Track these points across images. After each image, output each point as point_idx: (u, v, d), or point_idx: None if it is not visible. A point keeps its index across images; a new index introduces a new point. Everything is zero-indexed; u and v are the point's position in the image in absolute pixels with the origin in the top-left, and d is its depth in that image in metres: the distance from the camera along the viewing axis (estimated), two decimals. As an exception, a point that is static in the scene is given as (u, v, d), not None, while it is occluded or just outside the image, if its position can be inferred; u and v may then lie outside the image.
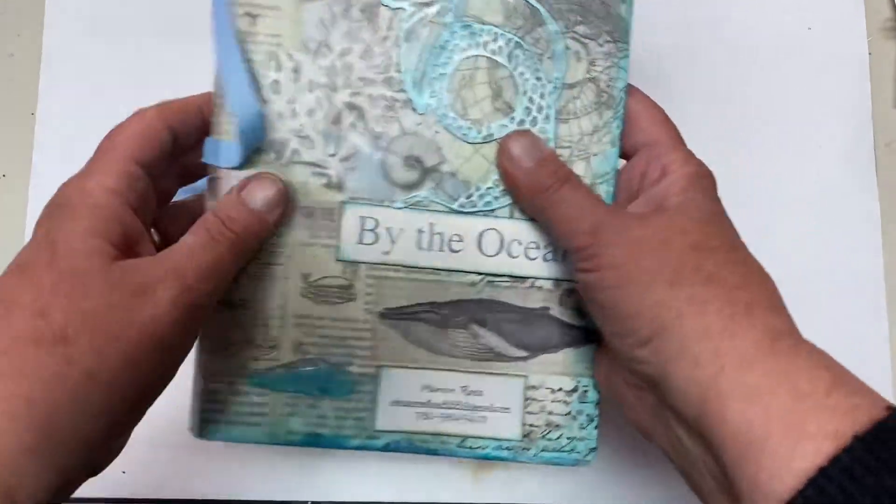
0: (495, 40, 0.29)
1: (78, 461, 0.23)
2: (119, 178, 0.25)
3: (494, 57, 0.29)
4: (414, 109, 0.29)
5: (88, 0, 0.42)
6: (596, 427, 0.30)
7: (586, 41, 0.29)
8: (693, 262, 0.24)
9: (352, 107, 0.28)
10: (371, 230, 0.29)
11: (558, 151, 0.29)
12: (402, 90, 0.28)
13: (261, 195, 0.27)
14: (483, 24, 0.29)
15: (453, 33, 0.29)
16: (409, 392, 0.29)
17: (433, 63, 0.29)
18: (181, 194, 0.31)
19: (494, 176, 0.29)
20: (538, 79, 0.29)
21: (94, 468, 0.25)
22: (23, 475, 0.21)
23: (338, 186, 0.28)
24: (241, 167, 0.28)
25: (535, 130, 0.29)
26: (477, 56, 0.29)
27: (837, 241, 0.41)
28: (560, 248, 0.29)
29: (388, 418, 0.29)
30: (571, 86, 0.29)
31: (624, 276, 0.25)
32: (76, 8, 0.42)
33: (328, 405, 0.29)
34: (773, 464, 0.21)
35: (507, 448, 0.29)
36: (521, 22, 0.29)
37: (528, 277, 0.29)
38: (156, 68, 0.40)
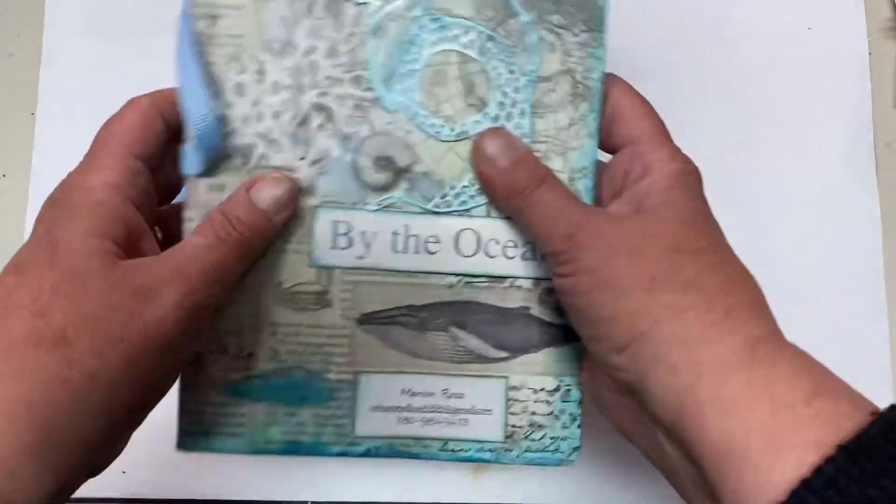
0: (466, 33, 0.28)
1: (78, 462, 0.22)
2: (120, 172, 0.25)
3: (466, 51, 0.28)
4: (384, 108, 0.28)
5: (88, 0, 0.42)
6: (579, 426, 0.29)
7: (560, 31, 0.28)
8: (671, 266, 0.24)
9: (319, 108, 0.27)
10: (344, 234, 0.28)
11: (534, 147, 0.28)
12: (371, 88, 0.28)
13: (269, 194, 0.26)
14: (453, 17, 0.28)
15: (422, 27, 0.28)
16: (388, 397, 0.29)
17: (402, 59, 0.28)
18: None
19: (469, 174, 0.28)
20: (511, 72, 0.28)
21: (94, 469, 0.25)
22: (21, 477, 0.21)
23: (308, 191, 0.28)
24: (205, 174, 0.27)
25: (509, 126, 0.28)
26: (447, 50, 0.28)
27: (837, 241, 0.41)
28: (538, 248, 0.28)
29: (369, 424, 0.29)
30: (546, 78, 0.28)
31: (600, 282, 0.24)
32: (76, 8, 0.42)
33: (307, 413, 0.28)
34: (754, 476, 0.20)
35: (490, 450, 0.29)
36: (493, 13, 0.28)
37: (506, 277, 0.29)
38: (156, 68, 0.39)
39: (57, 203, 0.25)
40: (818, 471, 0.19)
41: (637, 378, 0.24)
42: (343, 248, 0.28)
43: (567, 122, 0.28)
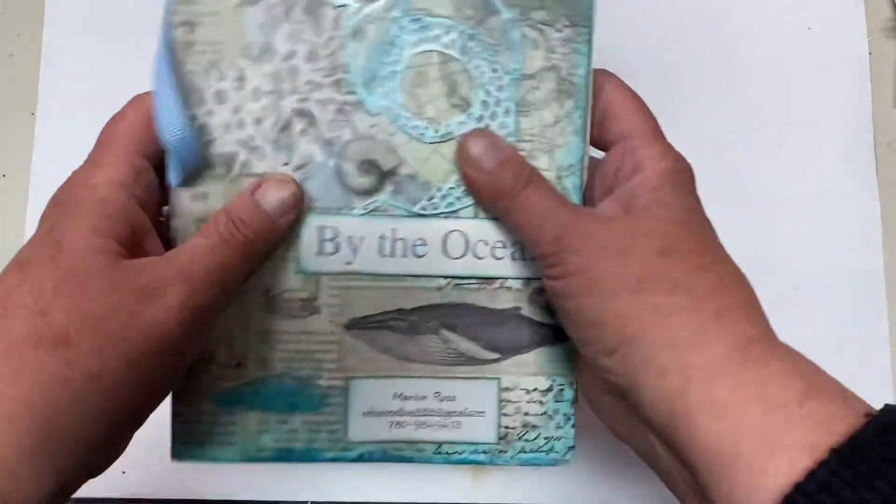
0: (447, 33, 0.27)
1: (78, 462, 0.22)
2: (124, 170, 0.25)
3: (447, 51, 0.27)
4: (366, 111, 0.27)
5: (88, 0, 0.41)
6: (573, 425, 0.29)
7: (543, 28, 0.27)
8: (659, 268, 0.23)
9: (301, 113, 0.27)
10: (331, 240, 0.28)
11: (520, 145, 0.28)
12: (352, 92, 0.27)
13: (274, 197, 0.26)
14: (433, 16, 0.27)
15: (402, 28, 0.27)
16: (380, 402, 0.29)
17: (383, 61, 0.27)
18: None
19: (455, 176, 0.28)
20: (494, 71, 0.28)
21: (95, 469, 0.25)
22: (21, 478, 0.21)
23: (293, 197, 0.27)
24: (184, 184, 0.27)
25: (494, 125, 0.28)
26: (429, 51, 0.27)
27: (837, 241, 0.40)
28: (527, 250, 0.28)
29: (361, 429, 0.29)
30: (530, 76, 0.28)
31: (588, 284, 0.24)
32: (76, 8, 0.41)
33: (298, 420, 0.28)
34: (746, 480, 0.20)
35: (484, 451, 0.29)
36: (473, 12, 0.27)
37: (496, 278, 0.28)
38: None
39: (60, 201, 0.24)
40: (811, 474, 0.19)
41: (627, 381, 0.24)
42: (330, 254, 0.28)
43: (552, 119, 0.28)
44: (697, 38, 0.42)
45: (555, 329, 0.29)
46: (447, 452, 0.29)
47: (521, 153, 0.27)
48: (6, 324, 0.22)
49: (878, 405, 0.21)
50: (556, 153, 0.28)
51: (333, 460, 0.29)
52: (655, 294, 0.23)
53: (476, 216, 0.28)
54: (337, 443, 0.28)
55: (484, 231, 0.28)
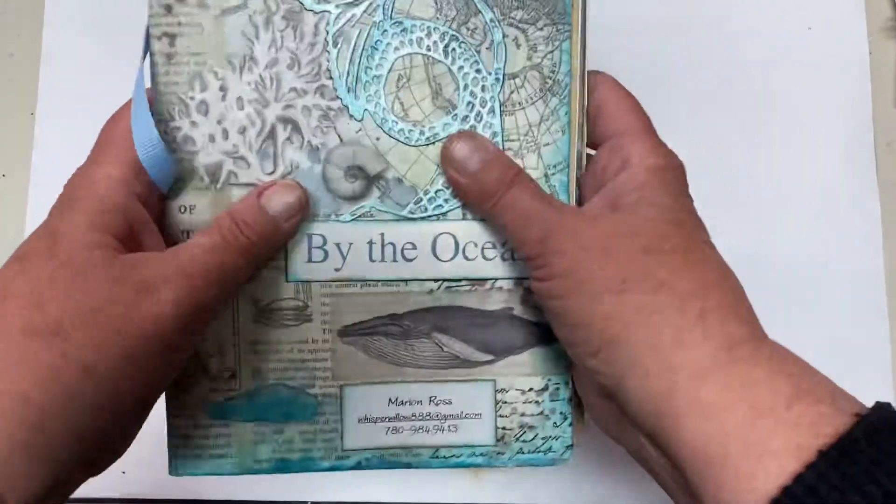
0: (429, 35, 0.27)
1: (72, 456, 0.22)
2: (125, 168, 0.25)
3: (430, 53, 0.27)
4: (351, 116, 0.27)
5: (88, 0, 0.41)
6: (570, 424, 0.29)
7: (525, 26, 0.27)
8: (643, 267, 0.23)
9: (285, 120, 0.27)
10: (320, 247, 0.28)
11: (506, 145, 0.28)
12: (337, 97, 0.27)
13: (279, 201, 0.26)
14: (414, 19, 0.27)
15: (384, 32, 0.27)
16: (375, 408, 0.28)
17: (366, 65, 0.27)
18: None
19: (443, 178, 0.28)
20: (478, 71, 0.28)
21: (94, 466, 0.25)
22: (13, 472, 0.20)
23: (280, 205, 0.27)
24: (171, 196, 0.27)
25: (480, 126, 0.28)
26: (412, 54, 0.27)
27: (837, 241, 0.41)
28: (515, 251, 0.28)
29: (357, 436, 0.28)
30: (513, 75, 0.28)
31: (573, 286, 0.24)
32: (76, 8, 0.42)
33: (294, 429, 0.28)
34: (734, 483, 0.20)
35: (482, 454, 0.29)
36: (454, 13, 0.27)
37: (487, 279, 0.28)
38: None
39: (62, 198, 0.25)
40: (799, 478, 0.19)
41: (613, 382, 0.23)
42: (319, 262, 0.28)
43: (538, 117, 0.28)
44: (697, 38, 0.42)
45: (548, 328, 0.28)
46: (444, 456, 0.29)
47: (508, 152, 0.27)
48: (2, 313, 0.22)
49: (868, 403, 0.21)
50: (544, 151, 0.28)
51: (331, 469, 0.28)
52: (639, 294, 0.23)
53: (465, 218, 0.28)
54: (333, 451, 0.28)
55: (473, 232, 0.28)
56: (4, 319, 0.22)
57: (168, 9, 0.26)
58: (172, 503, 0.38)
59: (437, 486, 0.38)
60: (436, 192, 0.28)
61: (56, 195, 0.25)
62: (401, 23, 0.27)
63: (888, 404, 0.21)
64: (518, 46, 0.28)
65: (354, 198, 0.28)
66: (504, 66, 0.28)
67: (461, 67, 0.27)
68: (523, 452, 0.29)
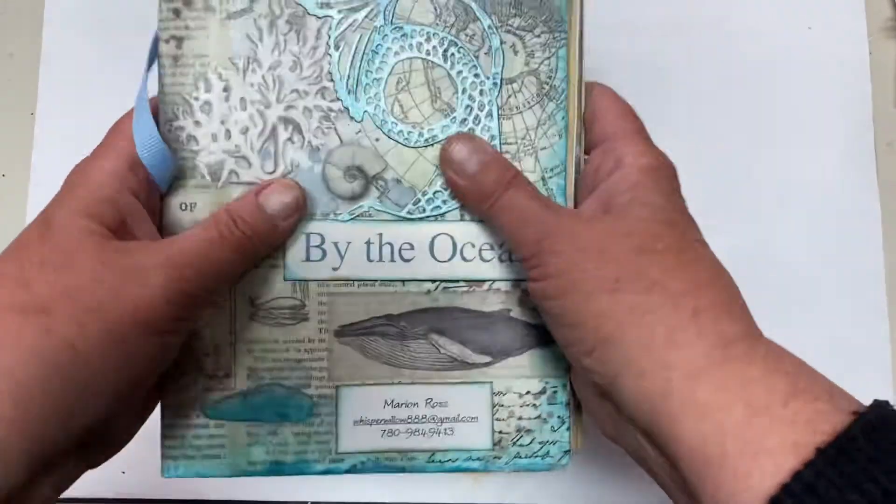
0: (429, 40, 0.28)
1: (60, 435, 0.22)
2: (120, 162, 0.25)
3: (429, 57, 0.28)
4: (351, 118, 0.28)
5: (88, 0, 0.42)
6: (568, 428, 0.29)
7: (522, 33, 0.28)
8: (636, 267, 0.23)
9: (287, 121, 0.28)
10: (318, 246, 0.28)
11: (504, 149, 0.28)
12: (337, 99, 0.28)
13: (277, 200, 0.26)
14: (414, 25, 0.28)
15: (385, 37, 0.28)
16: (371, 410, 0.28)
17: (367, 69, 0.28)
18: None
19: (441, 179, 0.28)
20: (476, 76, 0.28)
21: (89, 455, 0.25)
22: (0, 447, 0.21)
23: (279, 204, 0.27)
24: (172, 193, 0.27)
25: (478, 129, 0.28)
26: (412, 58, 0.28)
27: (838, 241, 0.41)
28: (513, 252, 0.28)
29: (352, 439, 0.28)
30: (511, 80, 0.28)
31: (568, 285, 0.24)
32: (75, 8, 0.42)
33: (288, 431, 0.28)
34: (732, 482, 0.20)
35: (479, 458, 0.28)
36: (453, 20, 0.28)
37: (484, 280, 0.28)
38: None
39: (59, 190, 0.25)
40: (797, 476, 0.19)
41: (609, 381, 0.23)
42: (317, 261, 0.28)
43: (535, 122, 0.28)
44: (697, 38, 0.42)
45: (545, 331, 0.28)
46: (440, 461, 0.28)
47: (506, 155, 0.28)
48: None
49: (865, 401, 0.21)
50: (541, 155, 0.28)
51: (325, 473, 0.28)
52: (632, 293, 0.23)
53: (462, 219, 0.28)
54: (327, 454, 0.28)
55: (471, 233, 0.28)
56: None
57: (176, 13, 0.27)
58: (172, 503, 0.37)
59: (437, 486, 0.37)
60: (434, 194, 0.28)
61: (55, 194, 0.25)
62: (401, 28, 0.28)
63: (886, 402, 0.21)
64: (515, 52, 0.28)
65: (353, 198, 0.28)
66: (502, 71, 0.28)
67: (460, 72, 0.28)
68: (520, 457, 0.28)
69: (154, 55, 0.27)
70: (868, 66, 0.42)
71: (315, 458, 0.28)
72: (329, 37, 0.28)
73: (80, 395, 0.22)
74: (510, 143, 0.28)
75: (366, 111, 0.28)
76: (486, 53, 0.28)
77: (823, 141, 0.42)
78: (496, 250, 0.28)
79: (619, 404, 0.24)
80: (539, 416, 0.28)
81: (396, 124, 0.28)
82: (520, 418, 0.28)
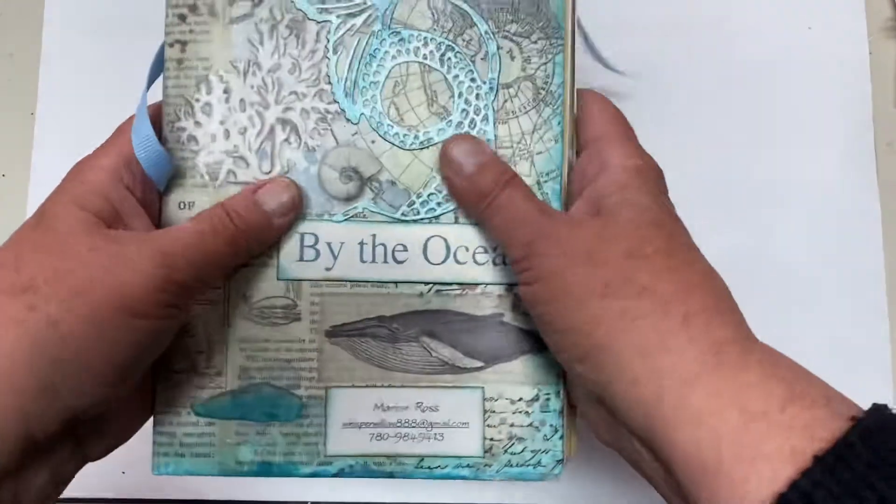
0: (426, 45, 0.28)
1: (45, 411, 0.22)
2: (116, 158, 0.26)
3: (426, 62, 0.28)
4: (348, 120, 0.28)
5: (88, 0, 0.42)
6: (561, 437, 0.28)
7: (519, 39, 0.28)
8: (625, 272, 0.23)
9: (284, 122, 0.28)
10: (311, 246, 0.28)
11: (500, 152, 0.28)
12: (335, 101, 0.28)
13: (274, 198, 0.27)
14: (412, 30, 0.28)
15: (382, 41, 0.28)
16: (360, 412, 0.28)
17: (364, 72, 0.28)
18: None
19: (436, 182, 0.28)
20: (473, 80, 0.28)
21: (84, 446, 0.25)
22: None
23: (275, 203, 0.28)
24: (170, 192, 0.28)
25: (473, 132, 0.28)
26: (409, 62, 0.28)
27: (838, 241, 0.40)
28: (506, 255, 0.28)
29: (340, 441, 0.28)
30: (507, 85, 0.28)
31: (557, 290, 0.24)
32: (75, 8, 0.42)
33: (277, 431, 0.27)
34: (728, 489, 0.19)
35: (469, 465, 0.28)
36: (451, 25, 0.28)
37: (477, 284, 0.28)
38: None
39: (58, 184, 0.26)
40: (794, 484, 0.18)
41: (601, 388, 0.23)
42: (310, 261, 0.28)
43: (531, 126, 0.28)
44: (697, 38, 0.42)
45: (538, 336, 0.28)
46: (429, 467, 0.28)
47: (501, 159, 0.28)
48: None
49: (864, 404, 0.20)
50: (536, 159, 0.28)
51: (312, 475, 0.28)
52: (622, 299, 0.23)
53: (457, 221, 0.28)
54: (315, 456, 0.28)
55: (465, 236, 0.28)
56: None
57: (182, 18, 0.28)
58: (172, 503, 0.37)
59: (437, 486, 0.37)
60: (428, 196, 0.28)
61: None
62: (398, 33, 0.28)
63: (885, 406, 0.20)
64: (512, 58, 0.28)
65: (348, 198, 0.28)
66: (498, 76, 0.28)
67: (456, 76, 0.28)
68: (511, 465, 0.28)
69: (159, 60, 0.28)
70: (868, 66, 0.42)
71: (303, 460, 0.28)
72: (328, 41, 0.28)
73: (63, 374, 0.22)
74: (505, 148, 0.28)
75: (362, 113, 0.28)
76: (482, 58, 0.28)
77: (823, 141, 0.41)
78: (490, 254, 0.28)
79: (612, 410, 0.23)
80: (531, 424, 0.28)
81: (392, 127, 0.28)
82: (511, 425, 0.28)
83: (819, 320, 0.39)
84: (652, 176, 0.26)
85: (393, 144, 0.28)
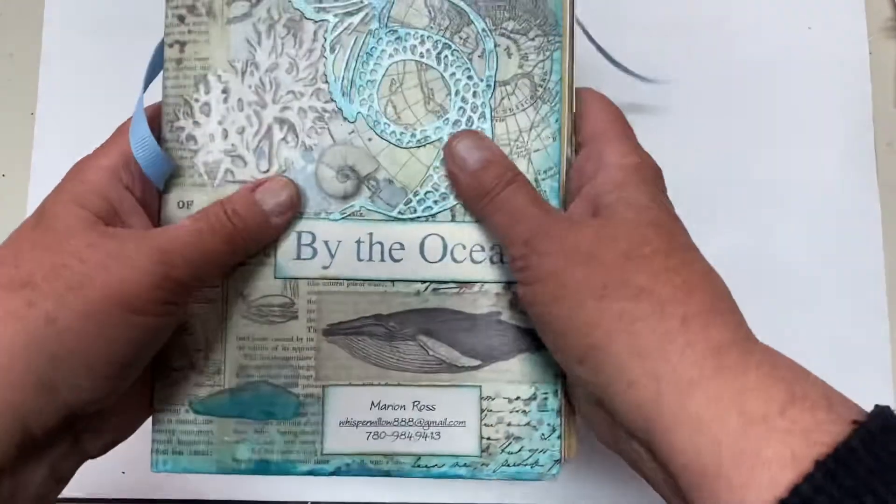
0: (422, 43, 0.28)
1: (42, 405, 0.22)
2: (116, 157, 0.26)
3: (423, 60, 0.28)
4: (345, 118, 0.28)
5: (88, 0, 0.42)
6: (559, 437, 0.28)
7: (516, 36, 0.28)
8: (623, 273, 0.23)
9: (282, 121, 0.28)
10: (308, 244, 0.28)
11: (497, 150, 0.28)
12: (331, 100, 0.28)
13: (272, 197, 0.27)
14: (409, 28, 0.28)
15: (379, 40, 0.28)
16: (357, 411, 0.28)
17: (361, 71, 0.28)
18: None
19: (433, 180, 0.28)
20: (470, 78, 0.28)
21: (83, 440, 0.25)
22: None
23: (272, 202, 0.28)
24: (169, 191, 0.28)
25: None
26: (406, 60, 0.28)
27: (838, 241, 0.40)
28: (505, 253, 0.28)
29: (338, 440, 0.28)
30: (504, 82, 0.28)
31: (555, 291, 0.23)
32: (75, 8, 0.42)
33: (274, 429, 0.28)
34: (728, 495, 0.19)
35: (466, 465, 0.28)
36: (448, 23, 0.28)
37: (474, 282, 0.28)
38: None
39: (58, 184, 0.26)
40: (795, 490, 0.18)
41: (600, 390, 0.23)
42: (307, 259, 0.28)
43: (528, 124, 0.28)
44: (697, 38, 0.42)
45: (536, 334, 0.28)
46: (426, 466, 0.28)
47: None
48: None
49: (867, 404, 0.20)
50: (534, 157, 0.28)
51: (309, 474, 0.28)
52: (620, 300, 0.22)
53: (453, 219, 0.28)
54: (312, 455, 0.28)
55: (462, 234, 0.28)
56: None
57: (181, 19, 0.28)
58: (172, 503, 0.37)
59: (435, 486, 0.37)
60: (425, 194, 0.28)
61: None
62: (395, 31, 0.28)
63: (887, 408, 0.20)
64: (509, 55, 0.28)
65: (345, 197, 0.28)
66: (495, 74, 0.28)
67: (453, 74, 0.28)
68: (509, 465, 0.28)
69: (156, 61, 0.28)
70: (868, 66, 0.42)
71: (300, 458, 0.28)
72: (325, 40, 0.28)
73: (61, 370, 0.23)
74: (503, 145, 0.28)
75: (359, 112, 0.28)
76: (479, 56, 0.28)
77: (823, 141, 0.41)
78: (487, 252, 0.28)
79: (611, 412, 0.23)
80: (529, 423, 0.28)
81: (389, 125, 0.28)
82: (509, 424, 0.28)
83: (819, 320, 0.39)
84: (650, 174, 0.25)
85: (390, 143, 0.28)
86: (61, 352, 0.22)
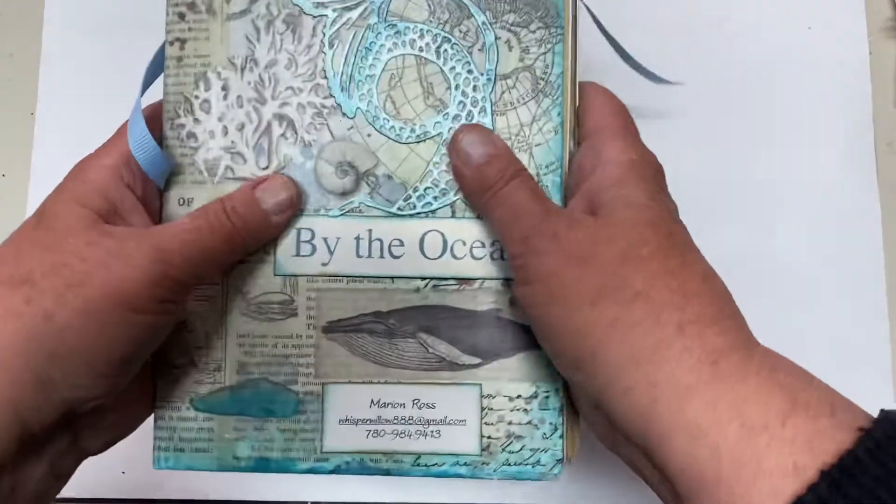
0: (422, 37, 0.28)
1: (40, 402, 0.23)
2: (117, 156, 0.26)
3: (423, 54, 0.28)
4: (343, 114, 0.28)
5: (88, 0, 0.42)
6: (561, 436, 0.27)
7: (517, 29, 0.28)
8: (619, 276, 0.22)
9: (281, 117, 0.28)
10: (308, 241, 0.28)
11: (498, 145, 0.27)
12: (330, 96, 0.28)
13: (272, 196, 0.27)
14: (408, 22, 0.28)
15: (378, 34, 0.28)
16: (357, 409, 0.27)
17: (360, 65, 0.28)
18: None
19: (433, 175, 0.28)
20: (470, 72, 0.28)
21: (82, 436, 0.25)
22: None
23: (272, 199, 0.28)
24: (170, 188, 0.28)
25: (471, 125, 0.28)
26: (405, 55, 0.28)
27: (838, 241, 0.40)
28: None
29: (337, 438, 0.27)
30: (505, 76, 0.28)
31: (551, 293, 0.23)
32: (75, 8, 0.43)
33: (274, 427, 0.27)
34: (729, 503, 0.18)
35: (466, 464, 0.27)
36: (447, 16, 0.28)
37: (475, 279, 0.28)
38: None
39: (59, 184, 0.26)
40: (799, 501, 0.18)
41: (596, 396, 0.22)
42: (306, 256, 0.28)
43: (530, 118, 0.28)
44: (697, 38, 0.42)
45: (538, 332, 0.27)
46: (426, 465, 0.27)
47: None
48: None
49: (877, 406, 0.20)
50: (535, 151, 0.28)
51: (309, 472, 0.27)
52: (615, 305, 0.22)
53: (453, 215, 0.28)
54: (312, 453, 0.27)
55: (462, 230, 0.28)
56: None
57: (181, 16, 0.28)
58: (172, 503, 0.37)
59: (435, 485, 0.37)
60: (425, 190, 0.28)
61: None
62: (394, 25, 0.28)
63: (892, 412, 0.19)
64: (510, 49, 0.28)
65: (344, 193, 0.28)
66: (496, 68, 0.28)
67: (453, 68, 0.28)
68: (509, 464, 0.27)
69: (156, 62, 0.28)
70: (868, 66, 0.41)
71: (300, 456, 0.27)
72: (324, 35, 0.28)
73: (59, 367, 0.23)
74: (504, 139, 0.28)
75: (358, 108, 0.28)
76: (479, 50, 0.28)
77: (823, 141, 0.41)
78: (487, 248, 0.28)
79: (610, 417, 0.23)
80: (530, 422, 0.27)
81: (388, 120, 0.28)
82: (510, 423, 0.27)
83: (819, 320, 0.39)
84: (649, 171, 0.25)
85: (389, 138, 0.28)
86: (60, 349, 0.23)
